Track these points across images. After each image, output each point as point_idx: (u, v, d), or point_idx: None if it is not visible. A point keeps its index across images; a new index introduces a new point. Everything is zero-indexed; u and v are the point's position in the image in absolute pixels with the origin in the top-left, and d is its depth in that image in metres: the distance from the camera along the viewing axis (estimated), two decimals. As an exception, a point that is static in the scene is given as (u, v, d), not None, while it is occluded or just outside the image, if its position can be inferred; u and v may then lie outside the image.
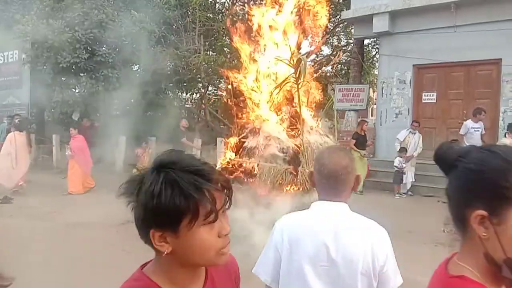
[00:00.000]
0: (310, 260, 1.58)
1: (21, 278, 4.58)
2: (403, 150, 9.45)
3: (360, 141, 9.83)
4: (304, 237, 1.61)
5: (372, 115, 26.94)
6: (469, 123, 8.75)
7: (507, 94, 9.43)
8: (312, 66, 13.75)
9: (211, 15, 14.25)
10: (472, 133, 8.69)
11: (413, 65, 10.64)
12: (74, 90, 13.38)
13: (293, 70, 5.78)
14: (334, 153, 1.71)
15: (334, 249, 1.55)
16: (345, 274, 1.53)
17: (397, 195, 9.41)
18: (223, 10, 15.96)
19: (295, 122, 6.16)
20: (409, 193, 9.57)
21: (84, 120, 12.26)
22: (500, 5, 9.18)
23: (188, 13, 13.29)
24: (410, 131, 9.68)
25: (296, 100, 6.08)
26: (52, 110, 14.35)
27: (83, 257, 5.39)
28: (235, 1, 17.45)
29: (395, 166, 9.36)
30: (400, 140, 9.65)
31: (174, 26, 13.52)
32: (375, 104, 14.51)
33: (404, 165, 9.34)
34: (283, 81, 5.88)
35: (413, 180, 9.56)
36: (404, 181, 9.44)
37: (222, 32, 14.03)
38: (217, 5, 15.71)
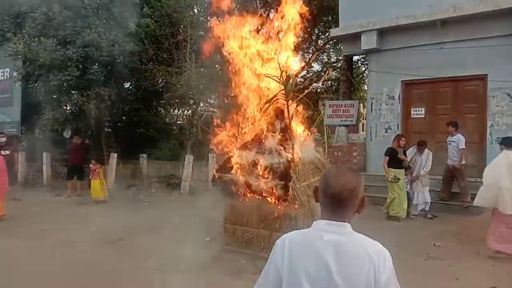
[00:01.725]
0: (311, 281, 1.54)
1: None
2: (408, 169, 8.80)
3: (396, 159, 8.53)
4: (306, 257, 1.58)
5: (362, 130, 27.20)
6: (450, 136, 9.04)
7: (493, 109, 9.60)
8: (303, 82, 13.96)
9: (202, 33, 14.39)
10: (448, 146, 9.03)
11: (402, 81, 10.82)
12: (65, 107, 13.37)
13: (283, 87, 5.87)
14: (342, 174, 1.64)
15: (336, 271, 1.52)
16: None
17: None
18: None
19: (285, 137, 6.22)
20: (429, 215, 8.61)
21: (74, 138, 12.21)
22: (484, 23, 9.43)
23: (179, 31, 13.43)
24: (416, 153, 8.94)
25: (286, 115, 6.16)
26: (43, 127, 14.30)
27: (73, 278, 5.33)
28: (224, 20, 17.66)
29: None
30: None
31: (166, 44, 13.63)
32: (364, 119, 14.66)
33: (407, 183, 8.79)
34: (273, 97, 5.96)
35: (427, 200, 8.65)
36: (414, 202, 8.74)
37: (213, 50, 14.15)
38: (208, 23, 15.89)
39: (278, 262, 1.63)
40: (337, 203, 1.60)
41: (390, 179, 8.41)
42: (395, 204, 8.42)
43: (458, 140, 8.81)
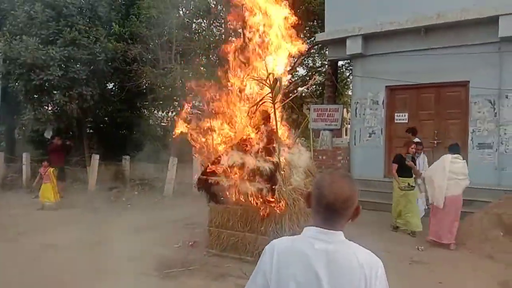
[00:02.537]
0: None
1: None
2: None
3: (405, 167, 7.78)
4: (295, 265, 1.53)
5: (346, 135, 27.43)
6: None
7: (475, 115, 9.76)
8: (287, 86, 13.99)
9: (187, 34, 14.31)
10: None
11: (386, 86, 10.92)
12: (46, 107, 13.11)
13: (269, 90, 5.85)
14: (336, 182, 1.56)
15: (326, 280, 1.48)
16: None
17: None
18: (199, 30, 16.08)
19: (271, 141, 6.19)
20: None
21: (55, 138, 11.95)
22: (466, 30, 9.59)
23: (164, 32, 13.31)
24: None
25: (272, 118, 6.14)
26: (23, 128, 14.00)
27: (52, 280, 5.21)
28: (211, 22, 17.63)
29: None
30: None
31: (151, 45, 13.50)
32: (349, 124, 14.78)
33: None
34: (260, 100, 5.94)
35: (426, 207, 8.33)
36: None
37: (198, 52, 14.09)
38: (193, 25, 15.81)
39: (266, 269, 1.58)
40: (330, 212, 1.54)
41: (403, 187, 7.68)
42: (408, 218, 7.63)
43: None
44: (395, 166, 7.89)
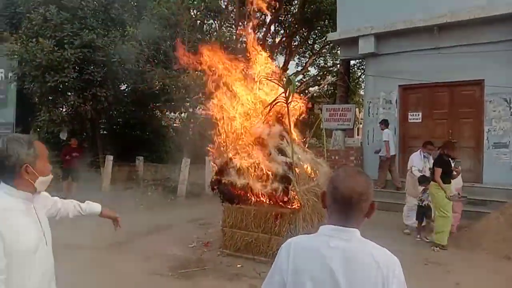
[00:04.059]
0: (315, 286, 1.50)
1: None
2: (425, 180, 7.21)
3: (448, 171, 6.87)
4: (311, 263, 1.53)
5: (358, 134, 27.32)
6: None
7: (490, 114, 9.65)
8: (299, 86, 13.97)
9: (199, 35, 14.38)
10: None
11: (399, 85, 10.86)
12: (61, 109, 13.28)
13: (282, 90, 5.86)
14: (350, 176, 1.57)
15: (342, 278, 1.46)
16: None
17: (418, 236, 7.31)
18: (210, 31, 16.16)
19: (285, 141, 6.20)
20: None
21: (72, 141, 12.09)
22: (480, 28, 9.49)
23: (177, 33, 13.39)
24: (424, 156, 7.91)
25: (286, 119, 6.15)
26: (38, 129, 14.19)
27: (71, 280, 5.27)
28: (222, 24, 17.68)
29: (418, 201, 7.35)
30: (419, 168, 7.74)
31: (163, 46, 13.59)
32: (361, 123, 14.71)
33: (426, 196, 7.20)
34: (274, 100, 5.95)
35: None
36: (431, 214, 7.26)
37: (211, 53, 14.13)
38: (204, 26, 15.89)
39: (283, 267, 1.59)
40: (346, 207, 1.53)
41: (452, 196, 6.79)
42: (440, 227, 6.79)
43: (383, 135, 10.19)
44: (439, 170, 6.74)
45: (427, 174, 7.43)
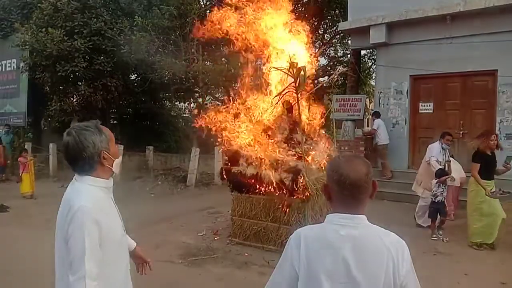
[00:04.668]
0: (329, 277, 1.50)
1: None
2: (443, 174, 6.76)
3: (489, 166, 6.20)
4: (323, 253, 1.53)
5: (367, 125, 27.13)
6: None
7: (503, 105, 9.52)
8: (309, 77, 13.88)
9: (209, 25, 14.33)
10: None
11: (410, 75, 10.74)
12: (72, 98, 13.38)
13: (292, 80, 5.83)
14: (352, 161, 1.60)
15: (354, 265, 1.48)
16: None
17: (433, 236, 6.67)
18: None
19: (294, 132, 6.19)
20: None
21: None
22: (494, 18, 9.31)
23: (186, 23, 13.37)
24: (443, 147, 7.37)
25: (296, 109, 6.12)
26: (49, 119, 14.32)
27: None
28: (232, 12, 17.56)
29: (431, 196, 6.76)
30: (439, 160, 7.20)
31: (172, 36, 13.58)
32: (370, 114, 14.58)
33: (441, 192, 6.68)
34: (283, 90, 5.93)
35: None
36: (445, 212, 6.83)
37: (220, 42, 14.12)
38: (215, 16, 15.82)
39: (294, 258, 1.58)
40: (355, 191, 1.54)
41: (493, 193, 6.16)
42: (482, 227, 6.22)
43: (374, 124, 10.71)
44: (477, 166, 6.14)
45: (446, 167, 7.05)
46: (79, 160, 1.85)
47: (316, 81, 16.07)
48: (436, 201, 6.71)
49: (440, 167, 7.03)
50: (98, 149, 1.86)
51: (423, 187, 7.49)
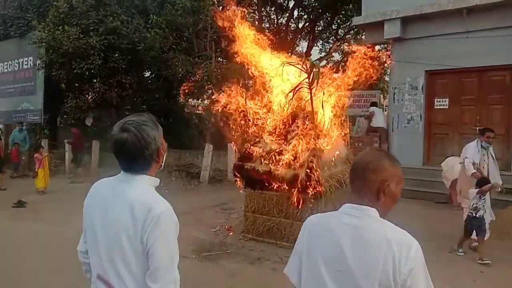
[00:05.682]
0: (325, 261, 1.51)
1: (30, 284, 4.63)
2: (483, 182, 5.69)
3: None
4: (322, 239, 1.55)
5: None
6: None
7: (521, 100, 9.35)
8: (322, 72, 13.81)
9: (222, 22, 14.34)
10: None
11: (425, 70, 10.60)
12: (87, 95, 13.55)
13: (305, 75, 5.81)
14: (367, 152, 1.65)
15: (350, 254, 1.46)
16: (361, 284, 1.43)
17: (459, 251, 5.79)
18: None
19: (309, 127, 6.17)
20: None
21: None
22: (511, 11, 9.13)
23: (200, 20, 13.41)
24: (482, 146, 6.29)
25: (309, 104, 6.10)
26: (65, 115, 14.51)
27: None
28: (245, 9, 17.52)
29: (471, 211, 5.60)
30: (475, 161, 6.13)
31: (186, 33, 13.63)
32: (385, 110, 14.47)
33: (483, 204, 5.57)
34: (297, 85, 5.91)
35: (493, 218, 6.14)
36: (486, 229, 5.64)
37: (233, 39, 14.12)
38: (228, 12, 15.81)
39: (299, 243, 1.65)
40: (354, 178, 1.58)
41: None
42: None
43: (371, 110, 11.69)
44: None
45: (492, 168, 6.18)
46: (140, 158, 1.70)
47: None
48: (477, 216, 5.55)
49: (474, 170, 5.98)
50: (158, 145, 1.73)
51: (463, 196, 6.33)
